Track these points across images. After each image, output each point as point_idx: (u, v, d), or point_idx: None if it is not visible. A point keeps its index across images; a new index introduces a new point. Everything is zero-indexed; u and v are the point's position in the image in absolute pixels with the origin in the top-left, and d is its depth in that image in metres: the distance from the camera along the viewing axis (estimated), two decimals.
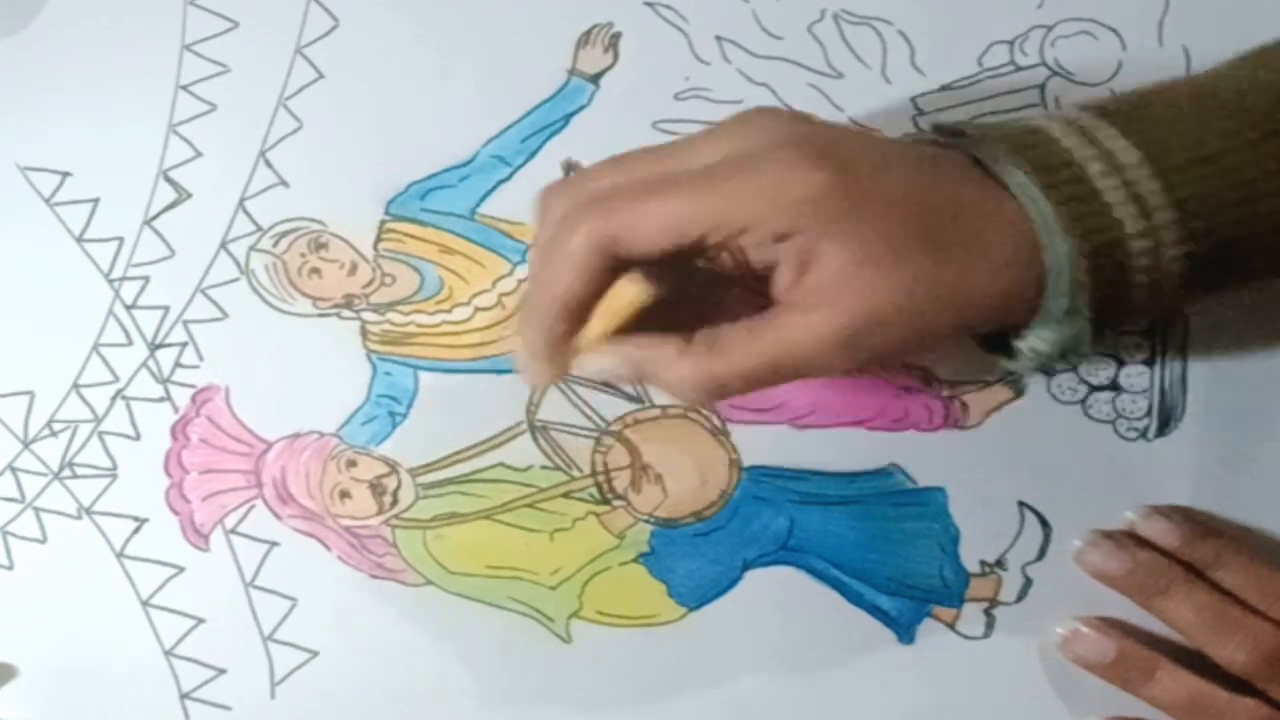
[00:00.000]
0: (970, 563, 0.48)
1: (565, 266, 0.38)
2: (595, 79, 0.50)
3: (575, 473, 0.48)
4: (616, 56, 0.50)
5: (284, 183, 0.50)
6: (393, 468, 0.48)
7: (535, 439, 0.48)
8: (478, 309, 0.49)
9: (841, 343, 0.37)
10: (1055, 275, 0.38)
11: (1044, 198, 0.37)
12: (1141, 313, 0.40)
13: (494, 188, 0.49)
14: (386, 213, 0.49)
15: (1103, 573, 0.46)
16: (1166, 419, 0.48)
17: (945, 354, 0.48)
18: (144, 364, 0.49)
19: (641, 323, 0.39)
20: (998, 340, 0.41)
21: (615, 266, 0.39)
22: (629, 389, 0.48)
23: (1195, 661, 0.45)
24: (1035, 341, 0.40)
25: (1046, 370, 0.48)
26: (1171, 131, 0.39)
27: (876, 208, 0.37)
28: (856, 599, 0.48)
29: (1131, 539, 0.46)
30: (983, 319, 0.39)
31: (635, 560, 0.48)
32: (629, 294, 0.39)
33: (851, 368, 0.39)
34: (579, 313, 0.39)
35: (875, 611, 0.48)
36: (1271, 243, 0.39)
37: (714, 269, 0.44)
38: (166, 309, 0.49)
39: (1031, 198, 0.38)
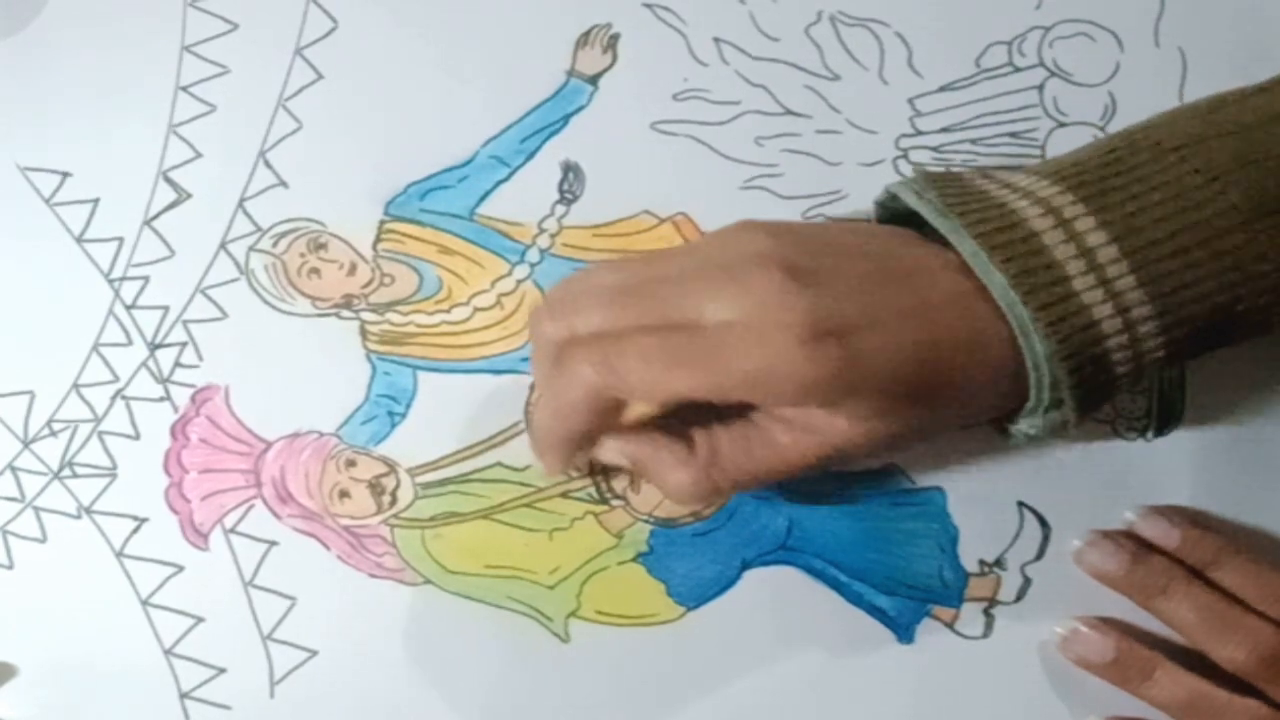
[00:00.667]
0: (969, 562, 0.48)
1: (577, 411, 0.41)
2: (594, 80, 0.50)
3: (574, 472, 0.48)
4: (615, 57, 0.50)
5: (283, 183, 0.50)
6: (392, 467, 0.48)
7: None
8: (477, 309, 0.49)
9: (827, 462, 0.41)
10: (1036, 376, 0.39)
11: (1022, 303, 0.38)
12: (1125, 390, 0.41)
13: (493, 188, 0.50)
14: (386, 213, 0.50)
15: (1102, 573, 0.46)
16: (1166, 419, 0.48)
17: None
18: (144, 364, 0.49)
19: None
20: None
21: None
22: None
23: (1194, 661, 0.45)
24: (1025, 427, 0.42)
25: None
26: (1148, 219, 0.39)
27: (878, 379, 0.39)
28: (855, 599, 0.48)
29: (1131, 539, 0.46)
30: (973, 423, 0.44)
31: (634, 560, 0.48)
32: (635, 410, 0.42)
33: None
34: (588, 443, 0.43)
35: (874, 611, 0.48)
36: (1252, 316, 0.40)
37: None
38: (166, 309, 0.49)
39: (1010, 303, 0.39)
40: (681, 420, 0.43)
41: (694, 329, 0.39)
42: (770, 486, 0.47)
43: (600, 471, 0.48)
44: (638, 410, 0.42)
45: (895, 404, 0.39)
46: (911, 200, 0.41)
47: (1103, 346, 0.39)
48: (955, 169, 0.49)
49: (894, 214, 0.43)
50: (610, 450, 0.43)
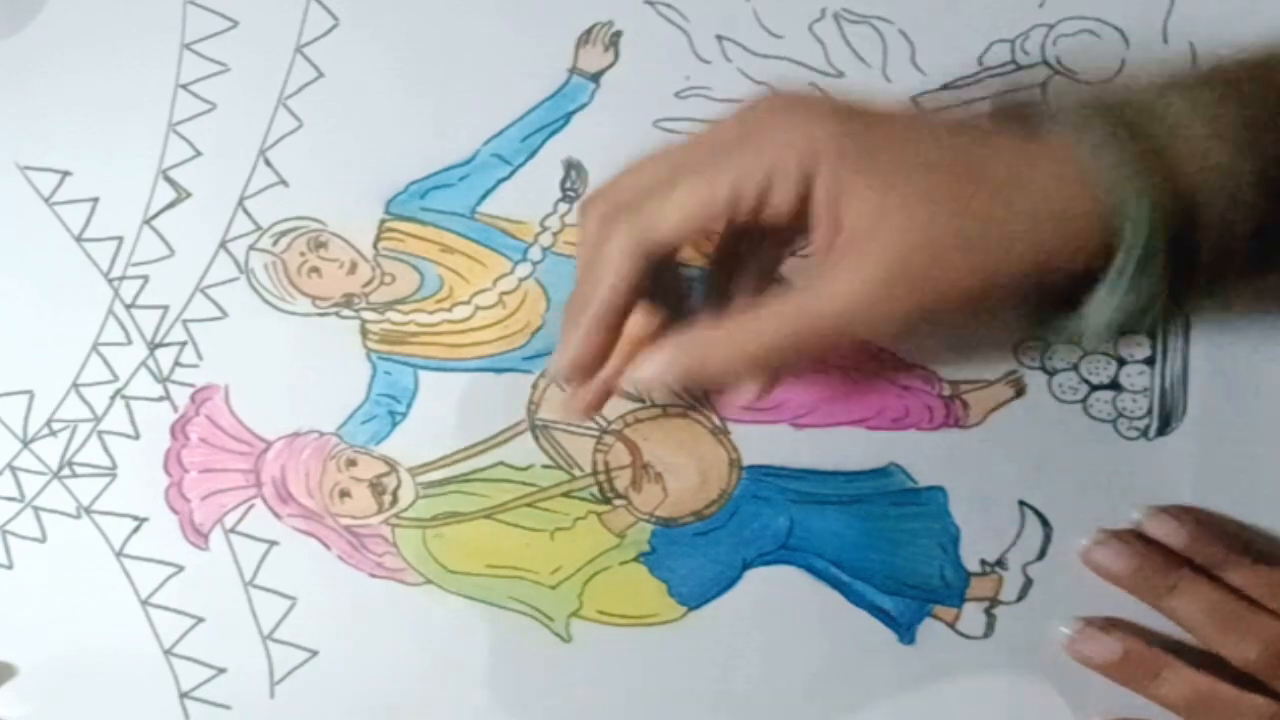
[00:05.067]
0: (970, 562, 0.48)
1: (604, 272, 0.39)
2: (596, 77, 0.50)
3: (576, 472, 0.48)
4: (617, 55, 0.50)
5: (284, 182, 0.50)
6: (392, 467, 0.48)
7: (536, 438, 0.48)
8: (478, 308, 0.49)
9: (874, 291, 0.37)
10: (1131, 231, 0.37)
11: (1124, 148, 0.36)
12: (1202, 289, 0.38)
13: (494, 186, 0.49)
14: (386, 212, 0.49)
15: (1110, 571, 0.46)
16: (1167, 418, 0.48)
17: (946, 353, 0.48)
18: (143, 363, 0.49)
19: None
20: (1049, 318, 0.40)
21: (656, 267, 0.39)
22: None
23: (1199, 661, 0.45)
24: (1102, 308, 0.38)
25: (1048, 370, 0.48)
26: (1238, 106, 0.38)
27: (896, 144, 0.37)
28: (857, 598, 0.48)
29: (1138, 538, 0.46)
30: (1032, 272, 0.37)
31: (635, 559, 0.48)
32: (640, 322, 0.40)
33: (895, 328, 0.37)
34: (619, 319, 0.40)
35: (875, 611, 0.48)
36: None
37: (758, 265, 0.43)
38: (166, 308, 0.49)
39: (1105, 147, 0.37)
40: None
41: (709, 154, 0.38)
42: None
43: (603, 470, 0.48)
44: (642, 319, 0.40)
45: (935, 185, 0.37)
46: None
47: (1201, 211, 0.37)
48: None
49: None
50: (651, 360, 0.40)
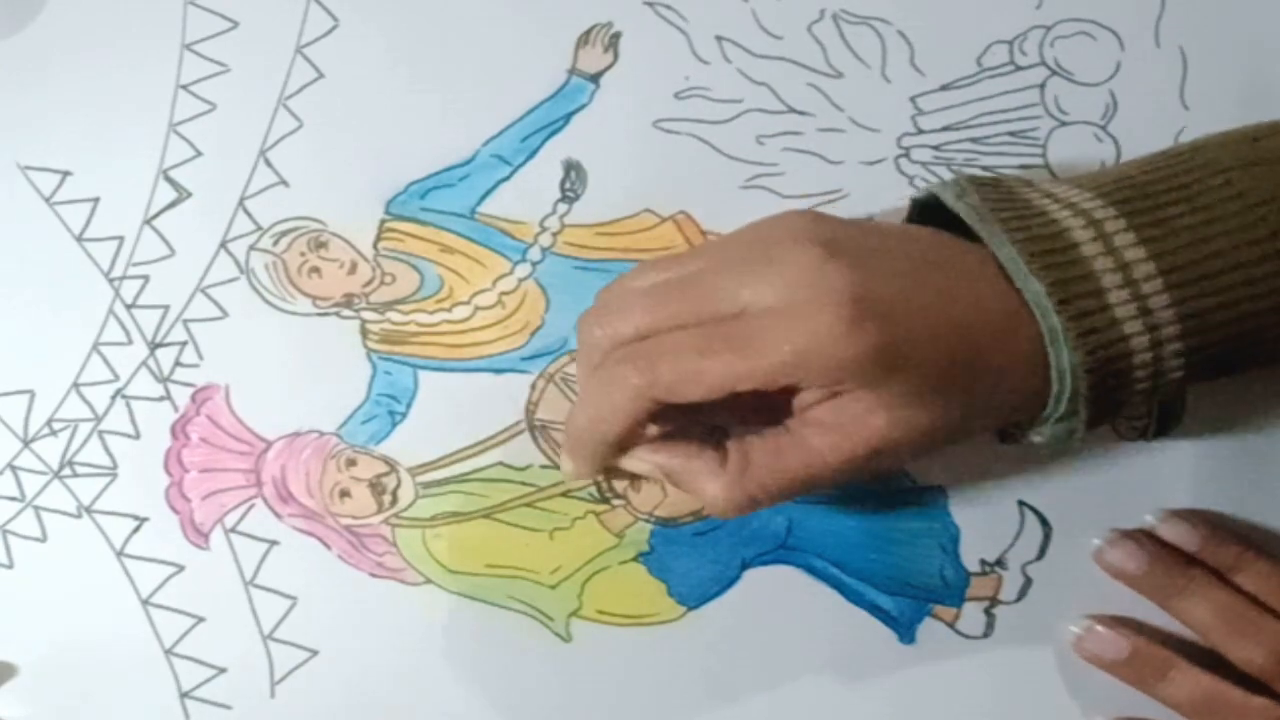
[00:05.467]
0: (970, 562, 0.48)
1: (614, 415, 0.40)
2: (595, 78, 0.50)
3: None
4: (616, 56, 0.50)
5: (284, 182, 0.50)
6: (392, 467, 0.48)
7: (535, 438, 0.48)
8: (478, 308, 0.49)
9: (861, 465, 0.40)
10: (1059, 385, 0.39)
11: (1056, 310, 0.38)
12: (1134, 408, 0.42)
13: (494, 187, 0.50)
14: (386, 212, 0.50)
15: (1122, 572, 0.46)
16: (1166, 419, 0.48)
17: None
18: (144, 363, 0.49)
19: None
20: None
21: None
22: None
23: (1205, 661, 0.45)
24: (1033, 437, 0.42)
25: None
26: (1187, 240, 0.39)
27: (912, 359, 0.38)
28: (856, 598, 0.48)
29: (1151, 539, 0.46)
30: (989, 430, 0.44)
31: (635, 559, 0.48)
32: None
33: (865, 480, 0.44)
34: (625, 447, 0.42)
35: (875, 611, 0.48)
36: (1273, 346, 0.40)
37: None
38: (166, 308, 0.49)
39: (1044, 310, 0.39)
40: (715, 435, 0.42)
41: (734, 318, 0.39)
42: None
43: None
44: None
45: (932, 387, 0.39)
46: (950, 201, 0.41)
47: (1128, 362, 0.39)
48: (958, 168, 0.49)
49: (926, 214, 0.43)
50: (639, 460, 0.42)
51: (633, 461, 0.42)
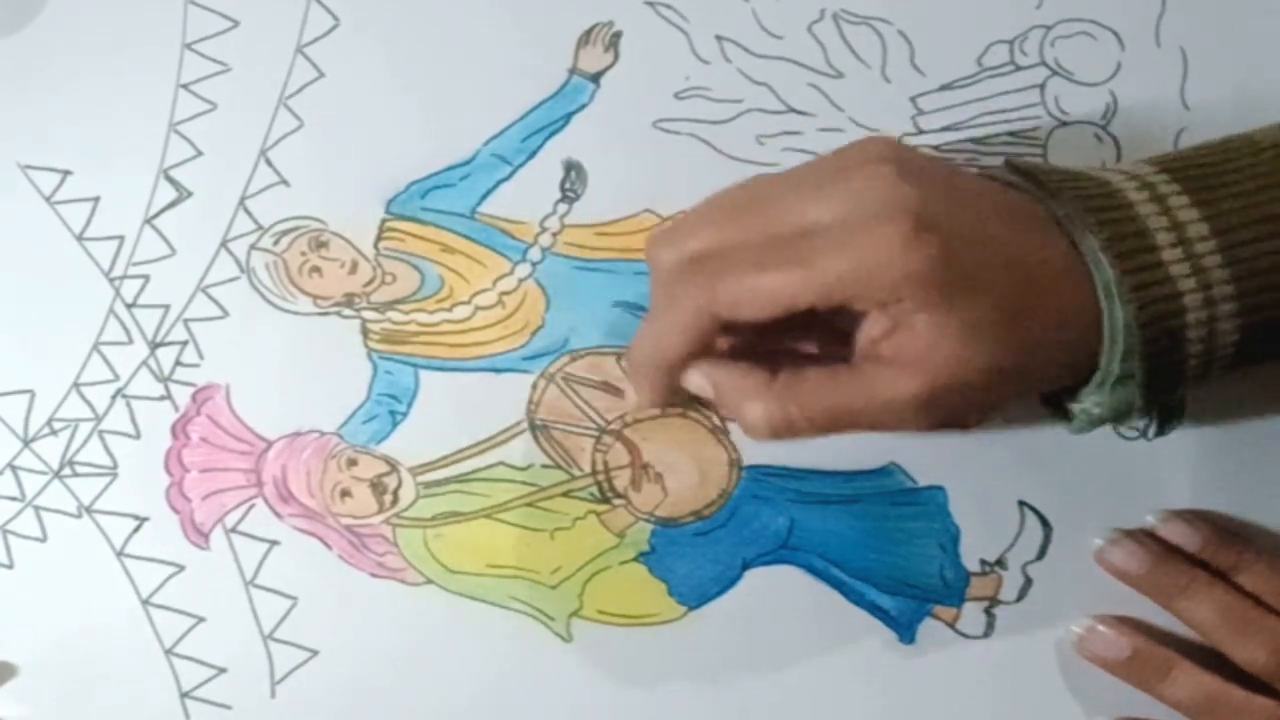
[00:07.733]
0: (970, 562, 0.48)
1: (675, 333, 0.40)
2: (596, 78, 0.50)
3: (575, 471, 0.48)
4: (617, 55, 0.50)
5: (284, 181, 0.50)
6: (393, 466, 0.48)
7: (536, 438, 0.48)
8: (478, 308, 0.49)
9: (919, 404, 0.38)
10: (1111, 342, 0.39)
11: (1110, 264, 0.38)
12: (1192, 382, 0.40)
13: (495, 187, 0.50)
14: (387, 211, 0.50)
15: (1123, 571, 0.46)
16: (1166, 419, 0.48)
17: None
18: (144, 362, 0.49)
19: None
20: (1053, 401, 0.43)
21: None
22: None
23: (1206, 661, 0.45)
24: (1089, 405, 0.41)
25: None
26: (1240, 204, 0.39)
27: (973, 283, 0.38)
28: (857, 598, 0.48)
29: (1152, 539, 0.47)
30: (1046, 385, 0.42)
31: (635, 559, 0.48)
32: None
33: (921, 430, 0.40)
34: (684, 369, 0.41)
35: (875, 611, 0.48)
36: None
37: None
38: (167, 307, 0.49)
39: (1098, 263, 0.39)
40: (777, 357, 0.41)
41: (799, 235, 0.38)
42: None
43: (602, 470, 0.48)
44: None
45: (992, 322, 0.38)
46: (1006, 171, 0.42)
47: (1182, 320, 0.38)
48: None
49: None
50: (695, 378, 0.41)
51: (689, 379, 0.41)
